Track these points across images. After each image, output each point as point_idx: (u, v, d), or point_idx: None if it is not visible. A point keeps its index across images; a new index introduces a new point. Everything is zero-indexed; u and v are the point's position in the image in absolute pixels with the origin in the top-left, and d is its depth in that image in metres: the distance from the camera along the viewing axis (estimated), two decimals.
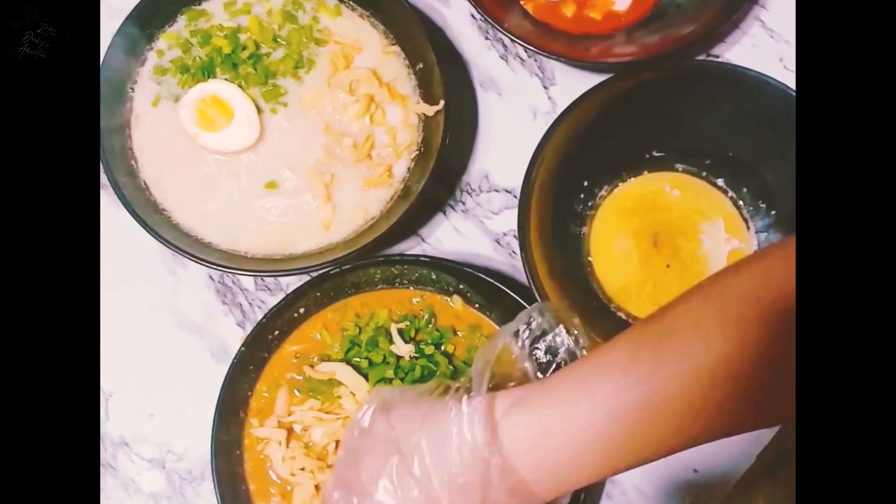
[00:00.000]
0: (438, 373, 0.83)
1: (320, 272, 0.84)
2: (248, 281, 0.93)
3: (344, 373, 0.83)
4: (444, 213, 0.93)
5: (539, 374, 0.67)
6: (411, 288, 0.87)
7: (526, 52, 0.95)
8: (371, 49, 0.93)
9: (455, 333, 0.86)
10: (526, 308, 0.77)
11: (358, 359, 0.84)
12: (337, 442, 0.83)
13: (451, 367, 0.84)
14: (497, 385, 0.64)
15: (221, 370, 0.83)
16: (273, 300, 0.88)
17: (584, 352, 0.67)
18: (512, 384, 0.65)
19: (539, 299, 0.78)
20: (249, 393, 0.85)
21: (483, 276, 0.83)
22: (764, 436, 0.85)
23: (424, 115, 0.89)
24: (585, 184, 0.89)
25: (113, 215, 0.92)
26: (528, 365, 0.67)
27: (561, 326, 0.67)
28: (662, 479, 0.87)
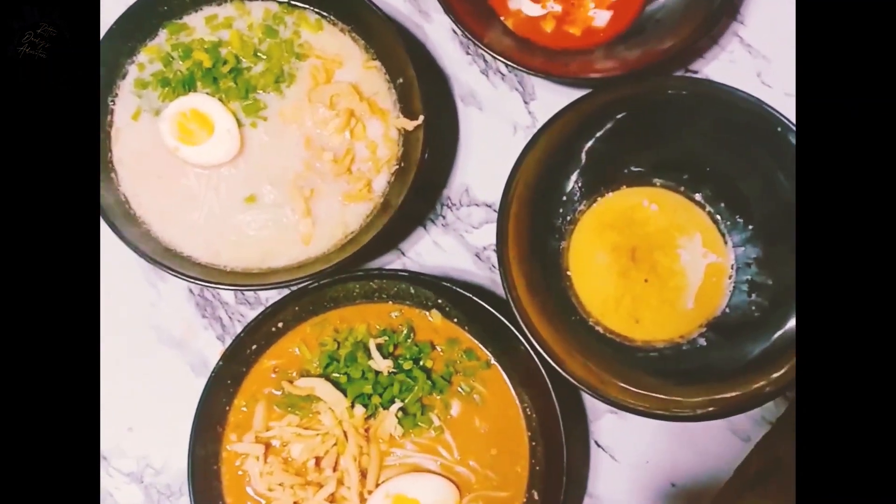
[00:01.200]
0: (417, 387, 0.83)
1: (299, 286, 0.84)
2: (228, 294, 0.93)
3: (323, 388, 0.83)
4: (425, 228, 0.94)
5: None
6: (390, 302, 0.87)
7: (506, 66, 0.96)
8: (352, 64, 0.93)
9: (434, 348, 0.86)
10: (504, 322, 0.77)
11: (337, 374, 0.84)
12: (317, 458, 0.82)
13: (429, 382, 0.84)
14: None
15: (201, 384, 0.83)
16: (253, 314, 0.88)
17: None
18: None
19: (517, 314, 0.78)
20: (227, 407, 0.85)
21: (461, 290, 0.83)
22: (741, 449, 0.86)
23: (404, 129, 0.90)
24: (564, 198, 0.89)
25: None
26: None
27: None
28: (641, 494, 0.87)
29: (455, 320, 0.86)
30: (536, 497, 0.82)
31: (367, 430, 0.83)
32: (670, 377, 0.83)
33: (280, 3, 0.94)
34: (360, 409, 0.83)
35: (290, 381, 0.85)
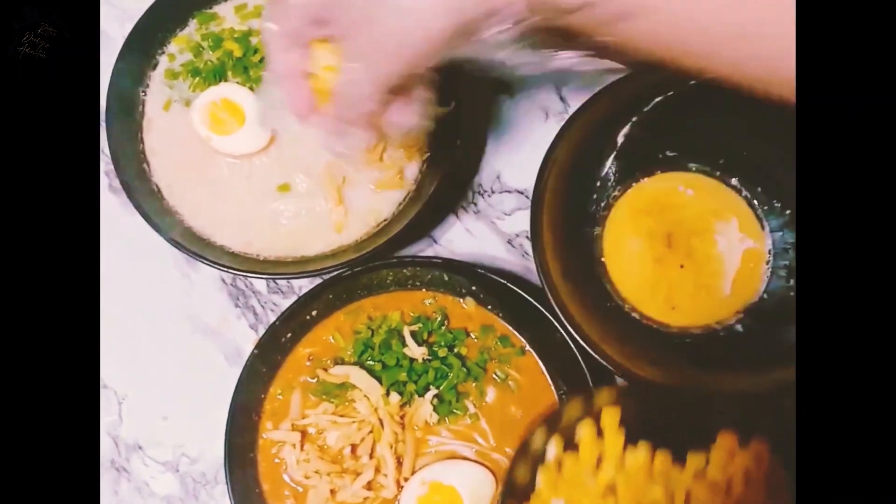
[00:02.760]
0: (451, 374, 0.83)
1: (332, 274, 0.84)
2: (260, 283, 0.93)
3: (357, 376, 0.83)
4: (457, 215, 0.93)
5: None
6: (424, 290, 0.87)
7: None
8: None
9: (468, 335, 0.86)
10: (538, 309, 0.77)
11: (371, 362, 0.84)
12: (353, 446, 0.82)
13: (464, 370, 0.83)
14: None
15: (235, 373, 0.83)
16: (286, 303, 0.88)
17: None
18: None
19: (552, 301, 0.78)
20: (263, 396, 0.85)
21: (495, 277, 0.82)
22: None
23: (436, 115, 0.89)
24: (598, 184, 0.88)
25: (125, 218, 0.92)
26: None
27: None
28: None
29: (489, 307, 0.86)
30: None
31: (402, 418, 0.83)
32: (707, 363, 0.82)
33: None
34: (395, 397, 0.82)
35: (325, 369, 0.85)
